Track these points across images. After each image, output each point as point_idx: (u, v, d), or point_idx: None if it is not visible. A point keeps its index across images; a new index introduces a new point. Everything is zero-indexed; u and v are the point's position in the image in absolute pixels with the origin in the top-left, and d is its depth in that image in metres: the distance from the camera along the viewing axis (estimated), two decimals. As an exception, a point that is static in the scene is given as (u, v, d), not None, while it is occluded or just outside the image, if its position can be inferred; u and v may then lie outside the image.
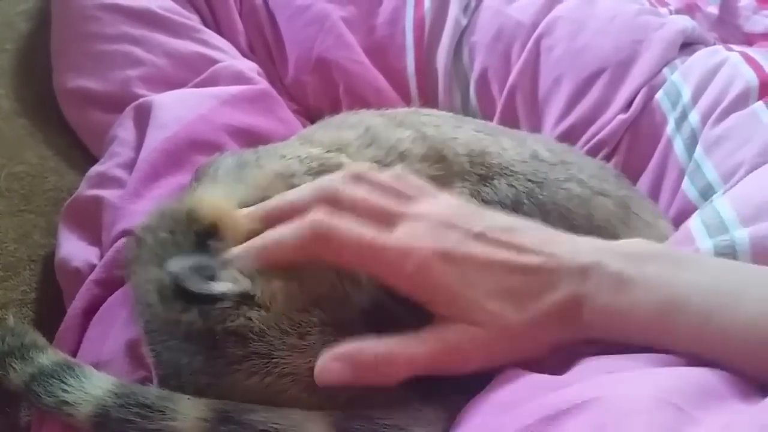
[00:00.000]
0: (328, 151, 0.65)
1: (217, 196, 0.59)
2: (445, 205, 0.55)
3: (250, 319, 0.51)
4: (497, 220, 0.55)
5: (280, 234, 0.52)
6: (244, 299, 0.51)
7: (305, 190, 0.55)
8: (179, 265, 0.52)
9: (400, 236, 0.51)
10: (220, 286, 0.51)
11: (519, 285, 0.50)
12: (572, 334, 0.51)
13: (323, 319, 0.52)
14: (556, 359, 0.52)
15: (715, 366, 0.48)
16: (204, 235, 0.55)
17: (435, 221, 0.52)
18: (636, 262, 0.51)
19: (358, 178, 0.55)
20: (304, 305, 0.52)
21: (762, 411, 0.43)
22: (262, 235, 0.53)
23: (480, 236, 0.52)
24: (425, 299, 0.51)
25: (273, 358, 0.51)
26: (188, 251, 0.54)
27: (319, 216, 0.51)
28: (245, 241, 0.54)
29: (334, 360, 0.49)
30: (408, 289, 0.51)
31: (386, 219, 0.52)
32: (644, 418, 0.41)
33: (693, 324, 0.49)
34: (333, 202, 0.52)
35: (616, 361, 0.49)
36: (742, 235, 0.60)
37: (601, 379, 0.47)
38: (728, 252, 0.59)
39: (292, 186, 0.58)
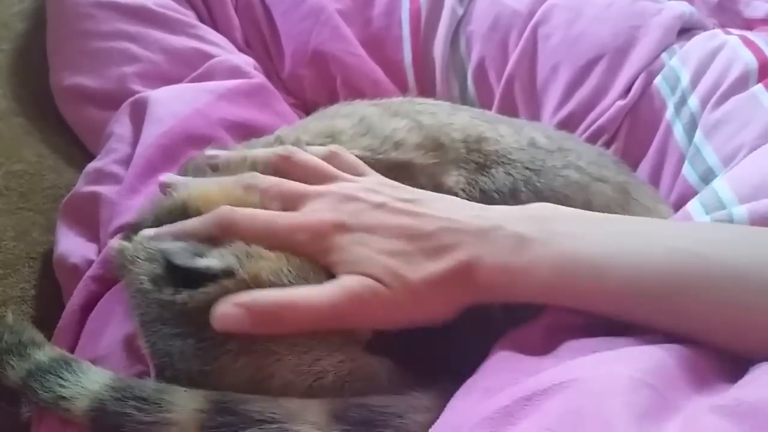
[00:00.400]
0: (317, 138, 0.65)
1: (209, 188, 0.59)
2: (361, 182, 0.58)
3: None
4: (404, 192, 0.57)
5: (192, 225, 0.55)
6: (228, 278, 0.52)
7: (231, 179, 0.59)
8: (170, 243, 0.54)
9: (304, 212, 0.55)
10: (204, 261, 0.52)
11: (416, 247, 0.52)
12: (475, 295, 0.52)
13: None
14: (541, 341, 0.52)
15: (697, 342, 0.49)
16: None
17: (337, 196, 0.55)
18: (538, 223, 0.53)
19: (284, 158, 0.59)
20: (291, 280, 0.52)
21: (728, 397, 0.43)
22: (178, 226, 0.56)
23: (381, 206, 0.55)
24: (326, 263, 0.53)
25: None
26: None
27: (225, 208, 0.55)
28: None
29: (233, 306, 0.50)
30: (310, 256, 0.53)
31: (293, 200, 0.56)
32: (621, 400, 0.41)
33: (588, 281, 0.50)
34: (250, 188, 0.57)
35: (598, 342, 0.49)
36: (740, 210, 0.59)
37: (580, 360, 0.47)
38: None
39: None
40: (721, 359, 0.49)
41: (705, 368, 0.48)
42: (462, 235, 0.53)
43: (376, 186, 0.57)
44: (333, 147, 0.61)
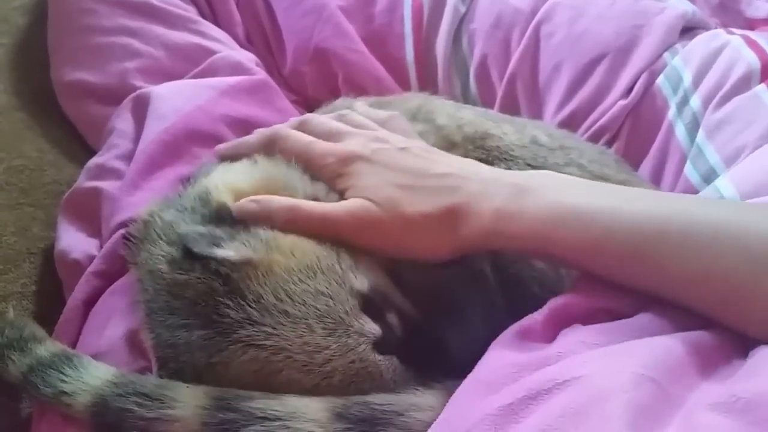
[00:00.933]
0: None
1: (235, 178, 0.61)
2: (397, 136, 0.64)
3: (250, 280, 0.52)
4: (428, 145, 0.64)
5: (249, 137, 0.68)
6: (246, 264, 0.53)
7: (298, 119, 0.69)
8: (190, 228, 0.55)
9: (335, 143, 0.63)
10: (222, 252, 0.53)
11: (422, 184, 0.58)
12: (468, 238, 0.56)
13: (318, 288, 0.53)
14: (542, 333, 0.52)
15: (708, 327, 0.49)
16: (217, 214, 0.57)
17: (370, 136, 0.63)
18: (537, 178, 0.58)
19: (341, 115, 0.67)
20: (301, 278, 0.54)
21: (726, 393, 0.43)
22: (237, 140, 0.69)
23: (404, 150, 0.61)
24: (342, 188, 0.60)
25: (264, 326, 0.52)
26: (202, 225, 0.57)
27: (278, 126, 0.67)
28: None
29: (251, 201, 0.58)
30: (327, 177, 0.61)
31: (336, 136, 0.64)
32: (623, 398, 0.42)
33: (572, 231, 0.53)
34: (303, 123, 0.67)
35: (600, 333, 0.50)
36: None
37: (583, 356, 0.47)
38: None
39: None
40: (729, 337, 0.49)
41: (714, 351, 0.48)
42: (465, 181, 0.58)
43: (407, 138, 0.64)
44: (394, 113, 0.68)
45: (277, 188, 0.60)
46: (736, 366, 0.47)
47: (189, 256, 0.53)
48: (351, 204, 0.58)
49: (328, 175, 0.61)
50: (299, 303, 0.52)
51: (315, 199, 0.60)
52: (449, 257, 0.58)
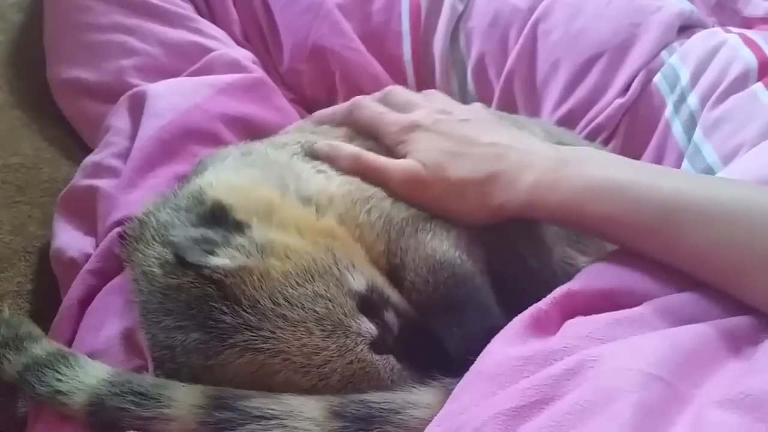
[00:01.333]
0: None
1: (230, 178, 0.61)
2: (463, 108, 0.70)
3: (245, 285, 0.52)
4: (489, 117, 0.70)
5: (339, 105, 0.75)
6: (241, 269, 0.53)
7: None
8: (183, 234, 0.54)
9: (403, 114, 0.68)
10: (216, 260, 0.52)
11: (469, 152, 0.63)
12: (506, 206, 0.60)
13: (317, 291, 0.53)
14: (547, 323, 0.52)
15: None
16: (211, 214, 0.57)
17: (435, 108, 0.68)
18: (578, 152, 0.61)
19: (427, 94, 0.73)
20: (299, 282, 0.53)
21: (734, 390, 0.43)
22: (324, 111, 0.77)
23: (463, 121, 0.66)
24: (401, 153, 0.66)
25: (261, 330, 0.51)
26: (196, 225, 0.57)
27: (361, 96, 0.73)
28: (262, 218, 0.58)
29: (324, 144, 0.67)
30: (391, 143, 0.67)
31: (408, 107, 0.69)
32: (631, 399, 0.42)
33: (604, 203, 0.56)
34: (385, 94, 0.73)
35: (606, 326, 0.50)
36: None
37: (591, 352, 0.47)
38: None
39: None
40: (734, 326, 0.50)
41: (722, 342, 0.48)
42: (509, 150, 0.62)
43: (470, 110, 0.70)
44: (477, 104, 0.74)
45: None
46: (745, 356, 0.47)
47: (181, 263, 0.53)
48: (404, 162, 0.65)
49: (391, 142, 0.67)
50: (298, 307, 0.52)
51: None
52: (486, 222, 0.63)
